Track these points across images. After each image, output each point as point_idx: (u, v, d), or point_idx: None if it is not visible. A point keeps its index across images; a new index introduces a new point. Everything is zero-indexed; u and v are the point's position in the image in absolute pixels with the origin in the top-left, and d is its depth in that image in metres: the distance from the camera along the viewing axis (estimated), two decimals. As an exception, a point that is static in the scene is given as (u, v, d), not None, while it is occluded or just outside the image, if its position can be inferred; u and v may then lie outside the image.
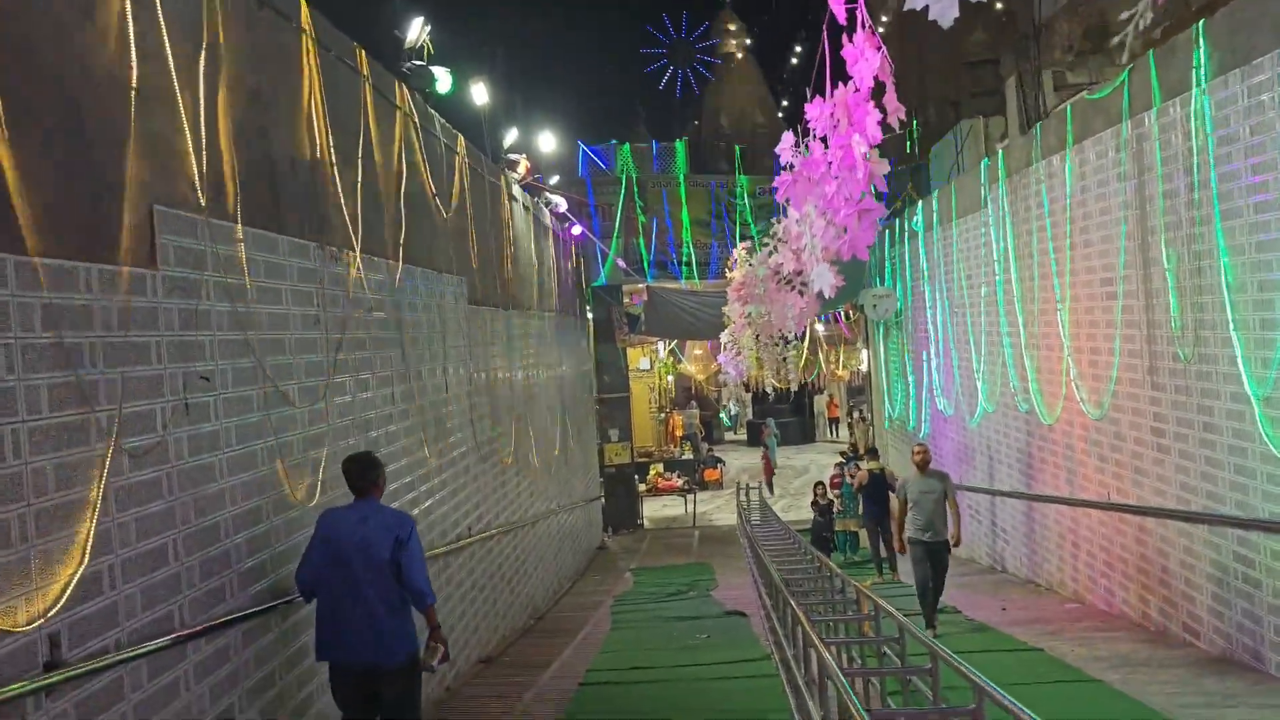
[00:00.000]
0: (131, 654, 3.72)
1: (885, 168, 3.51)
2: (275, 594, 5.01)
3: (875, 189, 3.52)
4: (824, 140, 3.76)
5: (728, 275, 15.89)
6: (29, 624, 3.25)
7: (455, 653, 8.16)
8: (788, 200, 4.07)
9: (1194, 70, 7.23)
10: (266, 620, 4.91)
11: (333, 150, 6.34)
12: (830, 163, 3.63)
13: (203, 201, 4.62)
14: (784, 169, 3.99)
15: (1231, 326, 6.93)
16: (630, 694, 7.77)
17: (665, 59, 47.95)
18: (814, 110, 3.75)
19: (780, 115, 44.27)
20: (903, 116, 3.45)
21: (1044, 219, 10.56)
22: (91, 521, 3.58)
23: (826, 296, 4.37)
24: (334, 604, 4.79)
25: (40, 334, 3.46)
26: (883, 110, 3.42)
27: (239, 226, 4.98)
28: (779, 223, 6.47)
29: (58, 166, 3.66)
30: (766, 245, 10.20)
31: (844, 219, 3.52)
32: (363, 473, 5.06)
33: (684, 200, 23.90)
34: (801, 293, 8.39)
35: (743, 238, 21.49)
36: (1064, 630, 8.91)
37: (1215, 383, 7.27)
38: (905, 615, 5.99)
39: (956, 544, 9.77)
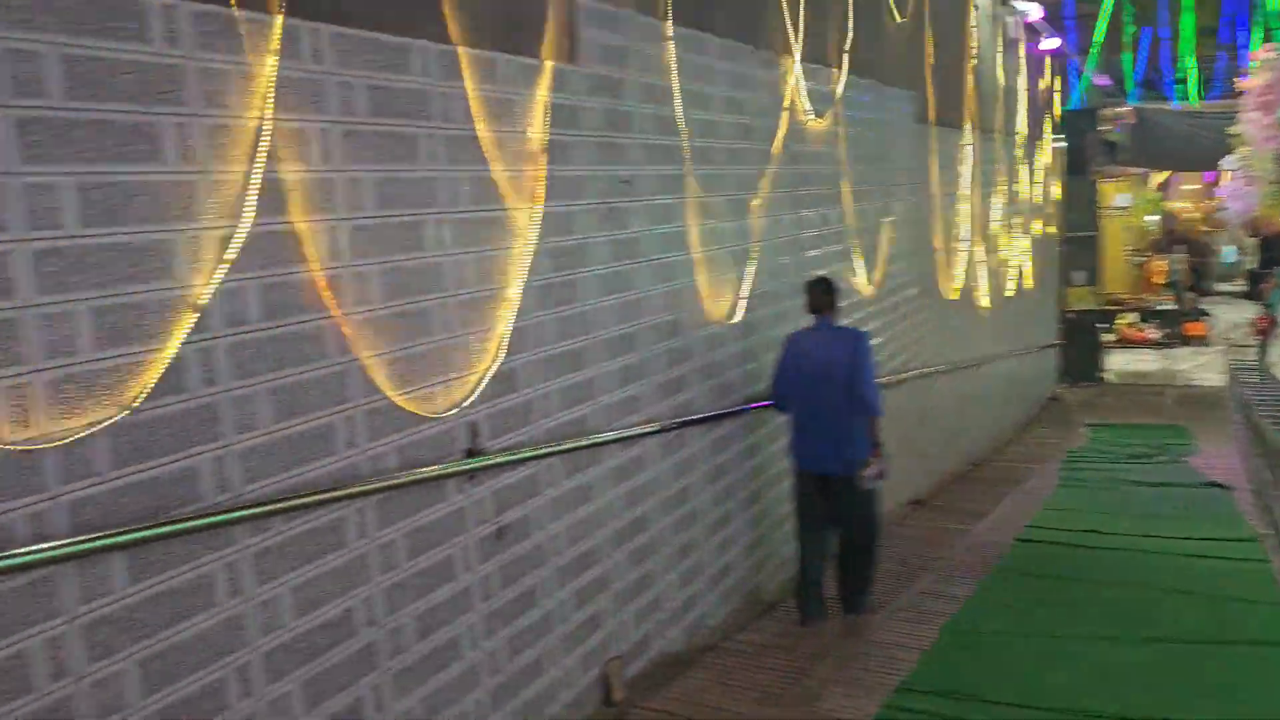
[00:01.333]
0: (548, 450, 3.77)
1: None
2: (692, 409, 4.92)
3: None
4: None
5: (1239, 87, 13.04)
6: (446, 411, 3.33)
7: (884, 490, 7.82)
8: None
9: None
10: (683, 435, 4.84)
11: (771, -58, 5.82)
12: None
13: (630, -5, 4.37)
14: None
15: None
16: (1076, 557, 6.95)
17: None
18: None
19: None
20: None
21: None
22: (509, 318, 3.59)
23: None
24: (800, 418, 5.24)
25: (461, 125, 3.42)
26: None
27: (668, 24, 4.70)
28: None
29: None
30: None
31: None
32: (828, 289, 5.30)
33: (1188, 3, 20.10)
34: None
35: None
36: None
37: None
38: None
39: None
